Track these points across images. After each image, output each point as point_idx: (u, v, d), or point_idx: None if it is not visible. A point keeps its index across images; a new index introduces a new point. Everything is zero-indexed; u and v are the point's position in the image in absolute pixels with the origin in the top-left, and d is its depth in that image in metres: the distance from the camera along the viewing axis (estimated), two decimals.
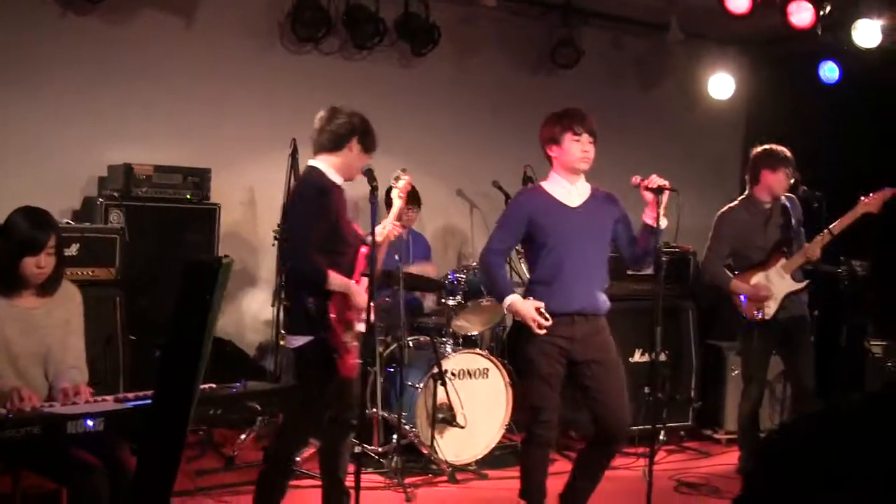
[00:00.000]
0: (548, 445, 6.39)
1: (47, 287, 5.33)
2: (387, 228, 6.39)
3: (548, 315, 5.99)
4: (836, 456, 1.80)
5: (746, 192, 7.88)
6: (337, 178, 6.07)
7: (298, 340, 6.00)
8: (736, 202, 7.94)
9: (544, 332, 6.01)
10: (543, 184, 6.35)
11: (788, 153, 7.69)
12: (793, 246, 7.75)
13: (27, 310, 5.27)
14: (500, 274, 6.25)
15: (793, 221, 7.70)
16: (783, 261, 7.74)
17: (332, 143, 6.08)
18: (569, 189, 6.22)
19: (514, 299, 6.07)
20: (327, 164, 6.06)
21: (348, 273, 6.04)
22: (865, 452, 1.78)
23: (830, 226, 7.55)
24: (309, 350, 5.96)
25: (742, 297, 7.77)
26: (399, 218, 6.45)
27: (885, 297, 1.87)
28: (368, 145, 6.18)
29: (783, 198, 7.73)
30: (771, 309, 7.70)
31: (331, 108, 6.19)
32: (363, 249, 6.16)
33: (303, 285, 5.98)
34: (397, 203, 6.43)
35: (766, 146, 7.76)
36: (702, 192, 10.48)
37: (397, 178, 6.53)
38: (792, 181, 7.71)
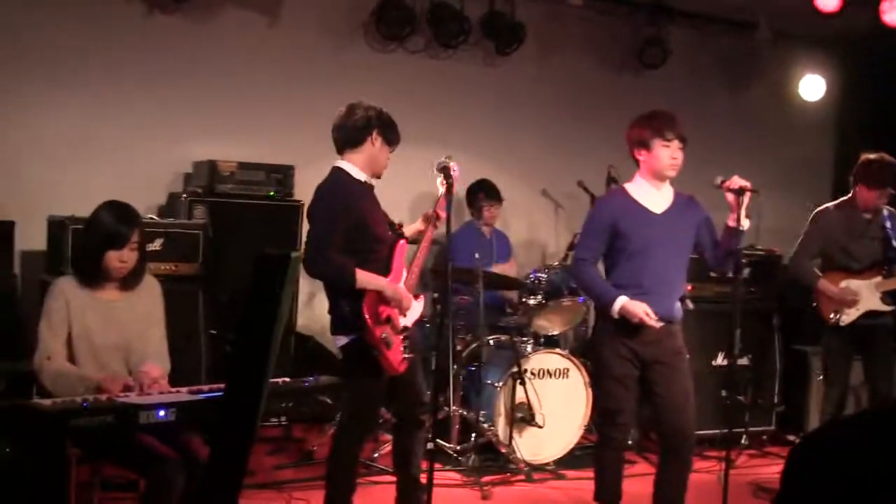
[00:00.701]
0: (622, 448, 6.35)
1: (129, 281, 5.42)
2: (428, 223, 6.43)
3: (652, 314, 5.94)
4: (868, 457, 1.78)
5: (849, 196, 7.73)
6: (361, 175, 6.04)
7: (341, 340, 6.04)
8: (835, 203, 7.82)
9: (658, 324, 5.98)
10: (627, 186, 6.28)
11: (889, 167, 7.50)
12: (892, 266, 7.60)
13: (109, 302, 5.37)
14: (595, 280, 6.17)
15: (893, 242, 7.54)
16: (879, 278, 7.60)
17: (352, 139, 6.05)
18: (653, 194, 6.16)
19: (624, 301, 5.97)
20: (351, 163, 6.04)
21: (384, 269, 6.02)
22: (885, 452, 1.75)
23: None
24: (351, 349, 5.99)
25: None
26: (441, 205, 6.29)
27: None
28: (390, 137, 6.12)
29: (885, 212, 7.56)
30: (849, 317, 7.59)
31: (349, 105, 6.16)
32: (400, 244, 6.16)
33: (332, 286, 5.99)
34: (441, 190, 6.26)
35: (871, 157, 7.57)
36: (792, 195, 10.40)
37: (443, 166, 6.28)
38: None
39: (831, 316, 7.61)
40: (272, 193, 8.48)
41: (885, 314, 7.62)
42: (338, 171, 6.06)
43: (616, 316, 5.98)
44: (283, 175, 8.53)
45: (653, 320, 5.95)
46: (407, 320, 6.12)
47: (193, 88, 8.87)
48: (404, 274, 6.16)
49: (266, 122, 9.12)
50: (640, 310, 5.93)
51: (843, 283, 7.62)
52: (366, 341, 5.87)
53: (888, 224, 7.48)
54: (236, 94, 9.01)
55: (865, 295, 7.58)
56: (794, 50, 10.83)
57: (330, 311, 6.10)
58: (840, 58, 11.06)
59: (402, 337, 6.06)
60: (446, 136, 8.94)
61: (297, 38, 9.28)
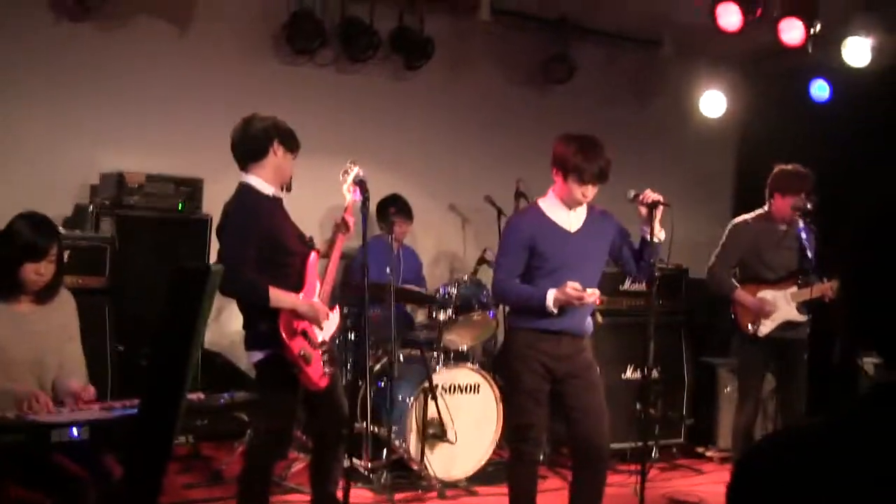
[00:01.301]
0: (534, 462, 6.34)
1: (45, 294, 5.30)
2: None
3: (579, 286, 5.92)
4: (807, 471, 1.77)
5: (765, 208, 7.80)
6: (269, 189, 5.98)
7: (256, 355, 5.97)
8: (752, 214, 7.86)
9: (595, 299, 6.00)
10: (541, 203, 6.25)
11: (805, 177, 7.56)
12: (807, 276, 7.67)
13: (22, 315, 5.24)
14: (519, 289, 6.14)
15: (808, 252, 7.61)
16: (794, 289, 7.66)
17: (253, 152, 5.98)
18: (567, 213, 6.16)
19: (554, 292, 5.94)
20: (256, 177, 5.97)
21: (297, 282, 5.98)
22: (832, 466, 1.75)
23: None
24: (267, 364, 5.92)
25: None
26: (349, 212, 6.31)
27: (859, 306, 1.85)
28: (290, 144, 6.05)
29: (800, 224, 7.63)
30: (766, 328, 7.64)
31: (244, 119, 6.08)
32: (312, 256, 6.11)
33: (246, 304, 5.93)
34: (348, 197, 6.28)
35: (785, 167, 7.66)
36: (693, 209, 10.48)
37: (346, 172, 6.34)
38: (808, 206, 7.59)
39: (749, 326, 7.66)
40: (181, 207, 8.36)
41: (801, 325, 7.67)
42: (245, 188, 5.99)
43: (555, 310, 5.95)
44: (191, 188, 8.41)
45: (590, 293, 5.95)
46: (324, 334, 6.07)
47: (102, 98, 8.72)
48: (318, 287, 6.11)
49: (175, 134, 8.99)
50: (572, 290, 5.90)
51: (760, 294, 7.68)
52: (283, 357, 5.81)
53: (803, 235, 7.56)
54: (145, 105, 8.88)
55: (782, 305, 7.65)
56: (696, 67, 10.93)
57: (245, 327, 6.03)
58: (741, 75, 11.19)
59: (320, 351, 6.01)
60: (355, 150, 8.76)
61: (208, 49, 9.17)
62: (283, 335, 5.78)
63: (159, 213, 8.28)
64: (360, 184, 5.98)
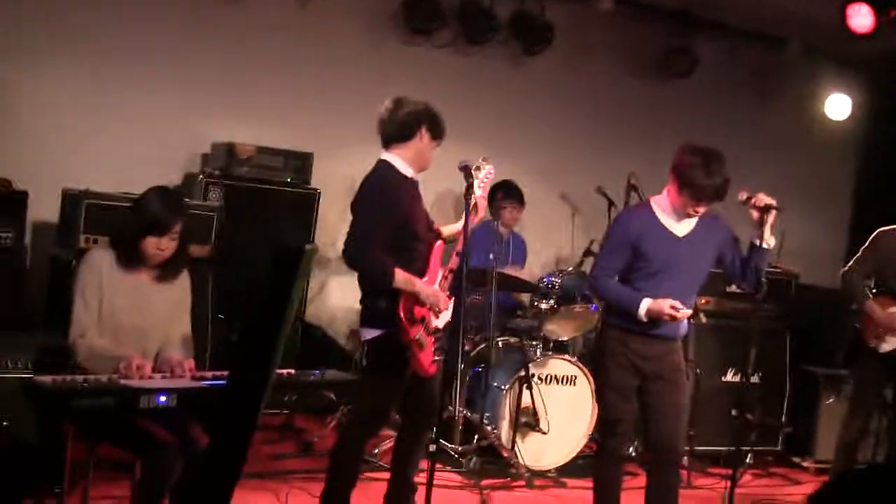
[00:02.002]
0: (620, 459, 6.27)
1: (167, 271, 5.38)
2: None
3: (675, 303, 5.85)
4: None
5: None
6: (408, 171, 6.01)
7: (370, 333, 5.98)
8: None
9: (685, 316, 5.92)
10: (654, 202, 6.11)
11: None
12: None
13: (140, 285, 5.33)
14: (616, 288, 6.05)
15: None
16: None
17: (400, 133, 5.99)
18: (678, 217, 6.02)
19: (648, 302, 5.86)
20: (398, 157, 5.99)
21: (422, 269, 5.98)
22: None
23: None
24: (380, 344, 5.94)
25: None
26: (482, 209, 6.29)
27: None
28: (437, 132, 6.06)
29: None
30: (889, 346, 7.40)
31: (395, 99, 6.08)
32: (438, 244, 6.14)
33: (368, 283, 5.95)
34: (478, 192, 6.18)
35: None
36: (810, 214, 10.31)
37: (478, 168, 6.26)
38: None
39: (872, 341, 7.45)
40: (290, 180, 8.42)
41: None
42: (385, 165, 6.01)
43: (645, 319, 5.88)
44: (301, 162, 8.46)
45: (683, 313, 5.87)
46: (439, 322, 6.09)
47: (217, 68, 8.80)
48: (440, 275, 6.11)
49: (288, 108, 9.04)
50: (666, 306, 5.82)
51: (893, 309, 7.44)
52: (398, 339, 5.82)
53: None
54: (260, 77, 8.94)
55: None
56: (823, 67, 10.73)
57: (363, 303, 6.05)
58: (868, 78, 10.95)
59: (433, 338, 6.04)
60: (467, 134, 8.77)
61: (326, 23, 9.20)
62: (403, 318, 5.80)
63: (268, 185, 8.34)
64: (464, 169, 5.91)
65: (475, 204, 6.03)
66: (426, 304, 5.92)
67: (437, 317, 6.06)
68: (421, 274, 5.96)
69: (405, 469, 6.32)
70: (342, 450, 6.15)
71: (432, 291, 5.95)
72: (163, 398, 4.59)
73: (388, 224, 5.80)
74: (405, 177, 5.98)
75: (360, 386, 6.18)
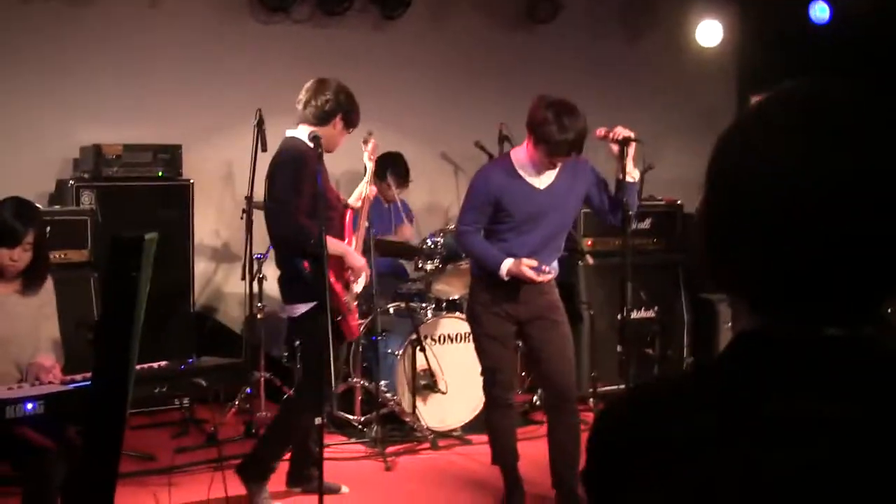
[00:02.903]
0: (509, 405, 6.34)
1: (29, 283, 5.34)
2: (364, 192, 6.58)
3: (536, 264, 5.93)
4: (664, 422, 1.71)
5: None
6: (317, 149, 6.09)
7: (300, 308, 6.07)
8: None
9: (548, 278, 6.00)
10: (514, 156, 6.17)
11: None
12: None
13: (1, 297, 5.29)
14: (479, 247, 6.14)
15: None
16: None
17: (316, 118, 6.17)
18: (538, 169, 6.05)
19: (509, 263, 5.92)
20: (300, 134, 6.15)
21: (339, 236, 6.18)
22: (682, 424, 1.69)
23: None
24: (312, 316, 5.99)
25: None
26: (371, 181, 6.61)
27: (713, 236, 1.74)
28: (351, 121, 6.32)
29: None
30: None
31: (317, 81, 6.30)
32: (349, 214, 6.38)
33: (295, 251, 6.02)
34: (369, 165, 6.61)
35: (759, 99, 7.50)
36: (694, 143, 10.30)
37: (365, 142, 6.67)
38: None
39: None
40: (160, 174, 8.34)
41: None
42: (294, 140, 6.19)
43: (506, 278, 5.94)
44: (170, 155, 8.38)
45: (543, 274, 5.94)
46: (358, 286, 6.38)
47: (75, 71, 8.67)
48: (354, 242, 6.36)
49: (153, 102, 8.92)
50: (526, 269, 5.88)
51: None
52: (328, 307, 5.79)
53: None
54: (119, 75, 8.82)
55: None
56: None
57: (285, 281, 6.20)
58: (737, 2, 11.01)
59: (355, 303, 6.33)
60: None
61: (180, 14, 9.08)
62: (335, 283, 5.95)
63: (140, 182, 8.27)
64: (314, 139, 6.06)
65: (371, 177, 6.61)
66: (350, 269, 6.17)
67: (356, 282, 6.33)
68: (341, 240, 6.20)
69: (305, 439, 6.41)
70: (284, 426, 6.34)
71: (356, 255, 6.26)
72: (29, 406, 4.58)
73: (308, 192, 5.93)
74: (313, 151, 6.08)
75: (305, 363, 6.44)
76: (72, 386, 4.87)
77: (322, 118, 6.16)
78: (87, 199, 7.95)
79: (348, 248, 6.26)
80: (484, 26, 10.46)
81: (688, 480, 1.62)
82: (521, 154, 6.09)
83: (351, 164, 8.33)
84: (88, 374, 5.02)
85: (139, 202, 8.19)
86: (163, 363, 5.25)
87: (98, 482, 4.33)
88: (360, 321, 6.29)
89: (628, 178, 6.06)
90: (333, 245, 5.96)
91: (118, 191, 8.16)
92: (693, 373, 1.79)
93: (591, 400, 8.46)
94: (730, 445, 1.59)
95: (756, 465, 1.51)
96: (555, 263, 6.21)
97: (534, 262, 5.91)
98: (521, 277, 5.91)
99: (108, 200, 8.03)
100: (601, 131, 6.08)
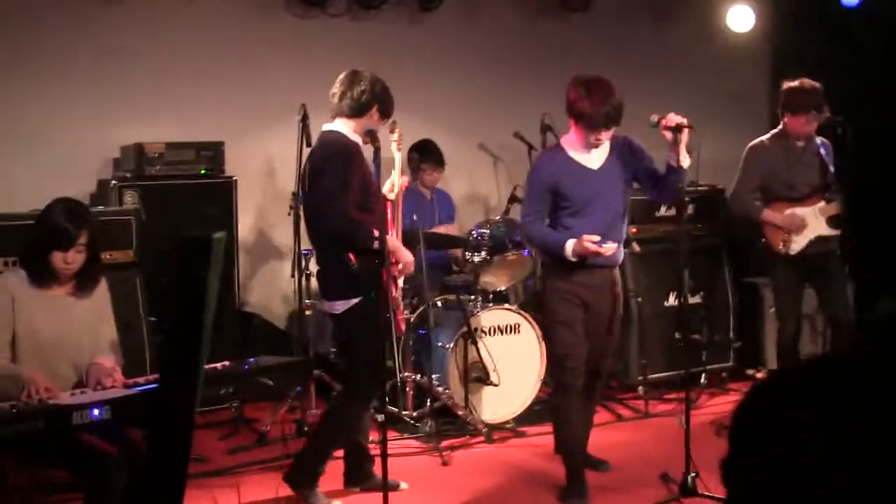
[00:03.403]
0: (577, 393, 6.34)
1: (83, 285, 5.30)
2: (396, 184, 6.55)
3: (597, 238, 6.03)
4: (819, 409, 1.67)
5: (780, 127, 7.64)
6: (356, 138, 6.17)
7: (343, 304, 6.06)
8: (767, 136, 7.72)
9: (611, 251, 6.07)
10: (564, 142, 6.34)
11: (814, 93, 7.36)
12: (833, 191, 7.52)
13: (56, 298, 5.26)
14: (544, 233, 6.26)
15: (830, 167, 7.43)
16: (822, 204, 7.50)
17: (352, 110, 6.15)
18: (589, 150, 6.22)
19: (572, 243, 6.04)
20: (347, 127, 6.16)
21: (382, 230, 6.01)
22: (841, 403, 1.64)
23: None
24: (357, 312, 6.01)
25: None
26: (403, 170, 6.66)
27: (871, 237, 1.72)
28: (386, 112, 6.30)
29: (818, 140, 7.45)
30: (798, 245, 7.50)
31: (350, 73, 6.26)
32: (390, 203, 6.39)
33: (347, 246, 5.96)
34: (397, 156, 6.62)
35: (792, 85, 7.47)
36: (727, 128, 10.26)
37: (391, 131, 6.67)
38: (822, 121, 7.40)
39: (780, 245, 7.52)
40: (203, 172, 8.29)
41: (832, 239, 7.52)
42: (335, 135, 6.18)
43: (573, 259, 6.06)
44: (213, 152, 8.33)
45: (606, 248, 6.03)
46: (400, 282, 6.39)
47: (115, 70, 8.62)
48: (394, 234, 6.39)
49: (191, 99, 8.89)
50: (589, 244, 5.97)
51: (789, 211, 7.53)
52: (377, 302, 5.85)
53: (822, 150, 7.40)
54: (159, 73, 8.78)
55: (812, 221, 7.50)
56: None
57: (327, 277, 6.18)
58: None
59: (399, 299, 6.34)
60: None
61: (217, 11, 9.05)
62: (386, 278, 5.86)
63: (182, 181, 8.22)
64: (370, 133, 6.06)
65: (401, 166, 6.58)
66: (398, 263, 6.14)
67: (402, 276, 6.30)
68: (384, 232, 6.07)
69: (357, 438, 6.42)
70: (336, 417, 6.29)
71: (405, 251, 6.24)
72: (96, 412, 4.53)
73: (356, 185, 5.95)
74: (356, 143, 6.16)
75: (354, 359, 6.29)
76: (136, 389, 4.83)
77: (358, 110, 6.14)
78: (131, 199, 7.90)
79: (397, 242, 6.26)
80: (518, 16, 10.41)
81: (849, 462, 1.60)
82: (570, 138, 6.27)
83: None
84: (152, 377, 5.01)
85: (182, 200, 8.14)
86: (225, 363, 5.18)
87: (166, 488, 4.29)
88: (406, 315, 6.22)
89: (682, 164, 6.09)
90: (387, 240, 5.91)
91: (161, 189, 8.10)
92: (846, 355, 1.74)
93: (641, 388, 8.39)
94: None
95: None
96: (620, 250, 6.32)
97: (595, 237, 5.98)
98: (586, 254, 6.02)
99: (151, 199, 7.97)
100: (655, 118, 6.13)
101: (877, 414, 1.60)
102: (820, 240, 7.48)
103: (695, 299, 8.74)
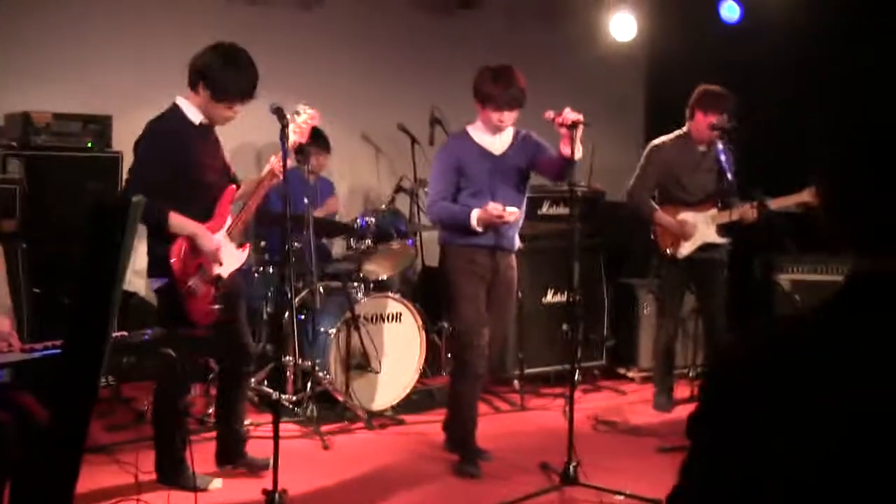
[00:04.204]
0: (479, 376, 6.54)
1: None
2: (270, 163, 6.32)
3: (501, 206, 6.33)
4: (794, 360, 1.74)
5: (684, 129, 7.80)
6: (197, 117, 5.93)
7: (155, 283, 5.99)
8: (670, 136, 7.89)
9: (514, 216, 6.43)
10: (469, 129, 6.68)
11: (728, 98, 7.59)
12: (726, 199, 7.70)
13: None
14: (449, 208, 6.53)
15: (728, 174, 7.61)
16: (714, 211, 7.72)
17: (189, 80, 5.94)
18: (493, 138, 6.59)
19: (477, 212, 6.36)
20: (188, 102, 5.95)
21: (206, 214, 5.93)
22: (810, 360, 1.72)
23: (770, 201, 7.34)
24: (163, 292, 5.94)
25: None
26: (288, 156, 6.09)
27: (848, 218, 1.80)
28: (217, 93, 5.88)
29: (719, 145, 7.60)
30: (685, 250, 7.73)
31: (212, 44, 6.01)
32: (229, 190, 6.09)
33: (143, 224, 5.75)
34: (292, 139, 6.11)
35: (709, 87, 7.66)
36: (606, 132, 10.37)
37: (297, 113, 6.28)
38: (728, 126, 7.56)
39: (668, 249, 7.72)
40: (90, 145, 8.17)
41: (720, 247, 7.75)
42: (172, 109, 5.98)
43: (479, 228, 6.37)
44: (100, 126, 8.23)
45: (509, 212, 6.36)
46: (222, 269, 6.01)
47: (4, 36, 8.47)
48: (228, 221, 6.07)
49: (81, 72, 8.76)
50: (493, 210, 6.31)
51: (681, 216, 7.71)
52: (175, 286, 5.78)
53: (722, 157, 7.55)
54: (50, 42, 8.63)
55: (701, 227, 7.70)
56: None
57: (147, 253, 5.99)
58: None
59: (213, 287, 5.96)
60: (264, 84, 8.71)
61: None
62: (174, 263, 5.76)
63: (68, 153, 8.09)
64: (277, 111, 5.83)
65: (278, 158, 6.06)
66: (202, 250, 5.85)
67: (220, 264, 5.98)
68: (204, 220, 5.90)
69: (229, 421, 6.38)
70: (157, 411, 6.22)
71: (209, 238, 5.88)
72: None
73: (165, 167, 5.73)
74: (192, 123, 5.91)
75: (200, 341, 6.16)
76: (37, 354, 4.73)
77: (191, 81, 5.93)
78: (15, 168, 7.75)
79: (197, 228, 5.83)
80: (409, 9, 10.47)
81: (816, 419, 1.66)
82: (476, 126, 6.62)
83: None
84: (49, 343, 4.92)
85: (67, 172, 7.99)
86: (123, 333, 5.12)
87: (66, 457, 4.25)
88: (215, 306, 5.96)
89: (576, 157, 6.28)
90: (179, 224, 5.75)
91: (46, 160, 7.96)
92: (809, 314, 1.81)
93: (516, 382, 8.51)
94: (866, 381, 1.64)
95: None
96: (517, 237, 6.75)
97: (498, 205, 6.31)
98: (491, 220, 6.34)
99: (36, 169, 7.85)
100: (550, 114, 6.31)
101: (844, 373, 1.67)
102: (706, 247, 7.68)
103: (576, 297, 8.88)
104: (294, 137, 6.18)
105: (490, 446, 6.97)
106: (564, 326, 7.58)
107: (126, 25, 8.96)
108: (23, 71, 8.51)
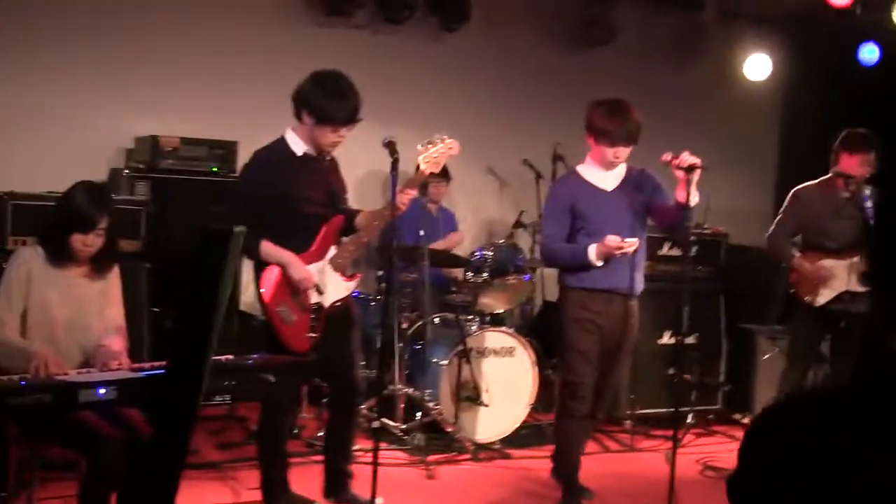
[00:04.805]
0: (582, 418, 6.58)
1: (98, 268, 5.37)
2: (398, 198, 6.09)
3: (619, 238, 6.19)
4: (826, 434, 1.73)
5: (828, 175, 7.63)
6: (301, 148, 5.95)
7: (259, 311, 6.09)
8: (815, 182, 7.70)
9: (633, 248, 6.23)
10: (579, 168, 6.57)
11: (872, 137, 7.33)
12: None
13: (69, 277, 5.33)
14: (563, 248, 6.43)
15: (871, 221, 7.42)
16: (856, 259, 7.46)
17: (294, 110, 5.96)
18: (605, 174, 6.44)
19: (594, 247, 6.23)
20: (295, 133, 5.97)
21: (303, 245, 5.92)
22: (854, 431, 1.71)
23: None
24: (264, 319, 6.02)
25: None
26: (415, 185, 6.17)
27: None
28: (320, 117, 5.85)
29: (866, 191, 7.40)
30: (823, 298, 7.48)
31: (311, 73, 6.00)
32: (334, 221, 6.03)
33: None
34: (423, 167, 6.11)
35: (854, 129, 7.43)
36: (735, 175, 10.38)
37: (432, 143, 6.16)
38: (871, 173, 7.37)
39: (806, 297, 7.53)
40: (215, 169, 8.35)
41: (861, 297, 7.41)
42: (279, 140, 6.05)
43: (599, 263, 6.25)
44: (225, 151, 8.40)
45: (629, 242, 6.19)
46: (324, 299, 5.98)
47: (136, 62, 8.72)
48: (332, 251, 6.04)
49: (209, 97, 8.98)
50: (612, 242, 6.15)
51: (820, 263, 7.51)
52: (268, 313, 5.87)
53: (867, 204, 7.30)
54: (179, 68, 8.88)
55: (840, 274, 7.44)
56: (740, 29, 10.79)
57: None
58: (786, 37, 11.02)
59: (311, 316, 5.95)
60: (390, 114, 8.76)
61: (242, 11, 9.15)
62: (262, 291, 5.86)
63: (194, 177, 8.26)
64: (388, 145, 5.77)
65: (419, 175, 6.15)
66: (294, 279, 5.85)
67: (320, 293, 5.95)
68: (302, 249, 5.91)
69: (336, 457, 6.36)
70: (265, 433, 6.23)
71: (298, 266, 5.86)
72: (102, 391, 4.55)
73: (260, 197, 5.79)
74: (294, 154, 5.93)
75: (306, 368, 6.17)
76: (143, 374, 4.87)
77: (295, 110, 5.95)
78: (142, 190, 7.96)
79: (288, 257, 5.84)
80: (539, 43, 10.52)
81: (849, 484, 1.65)
82: (586, 164, 6.52)
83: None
84: (156, 363, 5.06)
85: (192, 196, 8.15)
86: (229, 357, 5.24)
87: (166, 474, 4.34)
88: (312, 335, 5.94)
89: (691, 202, 6.16)
90: (271, 253, 5.83)
91: (172, 183, 8.16)
92: (852, 383, 1.80)
93: (629, 422, 8.45)
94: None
95: None
96: (640, 277, 6.57)
97: (616, 237, 6.15)
98: (611, 252, 6.19)
99: (162, 192, 8.04)
100: (667, 156, 6.20)
101: (880, 447, 1.66)
102: (848, 296, 7.49)
103: (689, 340, 8.79)
104: (424, 167, 6.13)
105: (595, 485, 6.93)
106: (671, 370, 7.51)
107: (253, 55, 9.16)
108: (153, 96, 8.76)
